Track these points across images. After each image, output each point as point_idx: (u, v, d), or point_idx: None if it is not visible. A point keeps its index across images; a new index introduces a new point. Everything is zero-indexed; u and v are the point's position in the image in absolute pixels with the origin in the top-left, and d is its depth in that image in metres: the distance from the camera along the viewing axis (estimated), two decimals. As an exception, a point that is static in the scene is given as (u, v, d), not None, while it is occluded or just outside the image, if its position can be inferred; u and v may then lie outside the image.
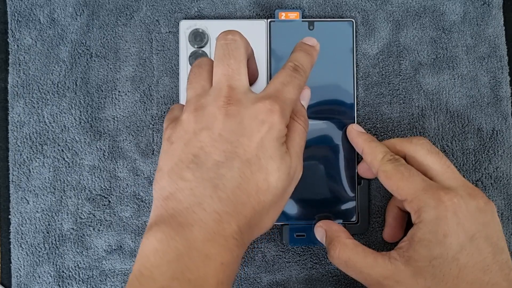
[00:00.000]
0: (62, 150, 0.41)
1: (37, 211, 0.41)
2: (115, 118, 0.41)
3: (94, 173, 0.41)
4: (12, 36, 0.42)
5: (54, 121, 0.41)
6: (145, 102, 0.42)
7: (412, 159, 0.35)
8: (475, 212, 0.32)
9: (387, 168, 0.34)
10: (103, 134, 0.41)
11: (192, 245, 0.28)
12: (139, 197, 0.41)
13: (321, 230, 0.38)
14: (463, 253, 0.31)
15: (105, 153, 0.41)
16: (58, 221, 0.41)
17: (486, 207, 0.32)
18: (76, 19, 0.42)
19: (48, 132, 0.41)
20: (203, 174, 0.30)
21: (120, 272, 0.41)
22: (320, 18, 0.42)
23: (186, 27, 0.41)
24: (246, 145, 0.30)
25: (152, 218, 0.31)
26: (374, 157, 0.36)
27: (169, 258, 0.28)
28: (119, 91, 0.42)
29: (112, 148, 0.41)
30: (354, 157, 0.40)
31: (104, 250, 0.41)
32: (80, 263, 0.41)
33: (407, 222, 0.40)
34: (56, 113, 0.41)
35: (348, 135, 0.39)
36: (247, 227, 0.30)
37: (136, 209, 0.41)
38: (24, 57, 0.41)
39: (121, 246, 0.41)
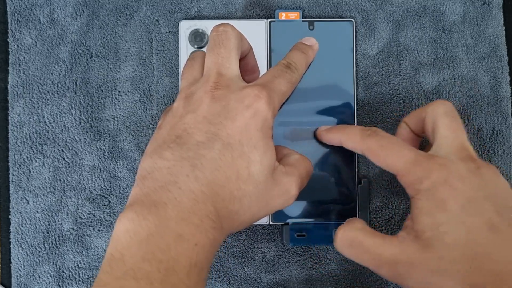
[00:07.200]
0: (62, 150, 0.41)
1: (37, 211, 0.41)
2: (115, 118, 0.41)
3: (94, 173, 0.41)
4: (12, 36, 0.42)
5: (54, 121, 0.41)
6: (145, 102, 0.42)
7: (428, 119, 0.34)
8: (466, 175, 0.31)
9: (370, 145, 0.34)
10: (103, 134, 0.41)
11: (165, 224, 0.27)
12: (139, 197, 0.41)
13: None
14: (466, 213, 0.30)
15: (105, 153, 0.41)
16: (58, 221, 0.41)
17: (478, 170, 0.31)
18: (76, 19, 0.42)
19: (48, 132, 0.41)
20: (183, 153, 0.29)
21: (120, 272, 0.41)
22: (320, 18, 0.42)
23: (186, 27, 0.41)
24: (229, 128, 0.30)
25: (128, 200, 0.30)
26: (353, 140, 0.35)
27: (140, 238, 0.27)
28: (119, 91, 0.42)
29: (112, 148, 0.41)
30: (354, 157, 0.40)
31: (104, 250, 0.41)
32: (80, 263, 0.41)
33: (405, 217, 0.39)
34: (56, 113, 0.41)
35: (321, 138, 0.39)
36: (225, 211, 0.29)
37: (136, 209, 0.41)
38: (24, 57, 0.41)
39: (121, 246, 0.41)
